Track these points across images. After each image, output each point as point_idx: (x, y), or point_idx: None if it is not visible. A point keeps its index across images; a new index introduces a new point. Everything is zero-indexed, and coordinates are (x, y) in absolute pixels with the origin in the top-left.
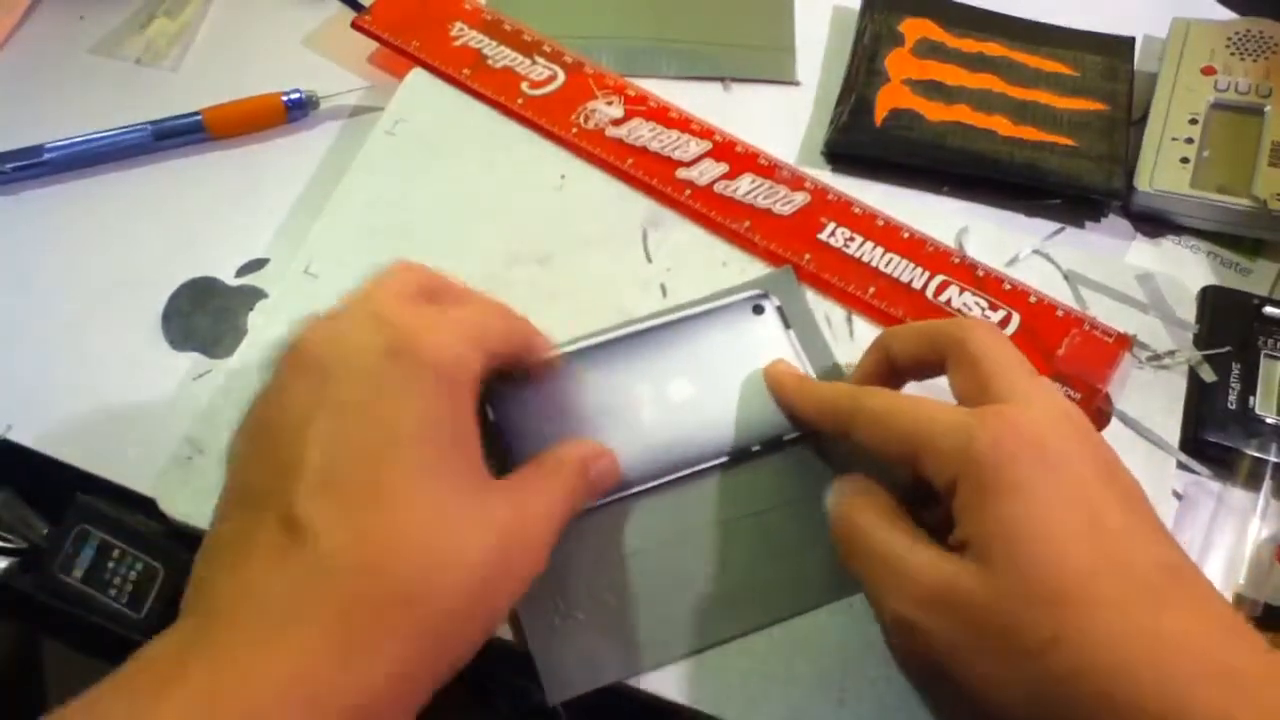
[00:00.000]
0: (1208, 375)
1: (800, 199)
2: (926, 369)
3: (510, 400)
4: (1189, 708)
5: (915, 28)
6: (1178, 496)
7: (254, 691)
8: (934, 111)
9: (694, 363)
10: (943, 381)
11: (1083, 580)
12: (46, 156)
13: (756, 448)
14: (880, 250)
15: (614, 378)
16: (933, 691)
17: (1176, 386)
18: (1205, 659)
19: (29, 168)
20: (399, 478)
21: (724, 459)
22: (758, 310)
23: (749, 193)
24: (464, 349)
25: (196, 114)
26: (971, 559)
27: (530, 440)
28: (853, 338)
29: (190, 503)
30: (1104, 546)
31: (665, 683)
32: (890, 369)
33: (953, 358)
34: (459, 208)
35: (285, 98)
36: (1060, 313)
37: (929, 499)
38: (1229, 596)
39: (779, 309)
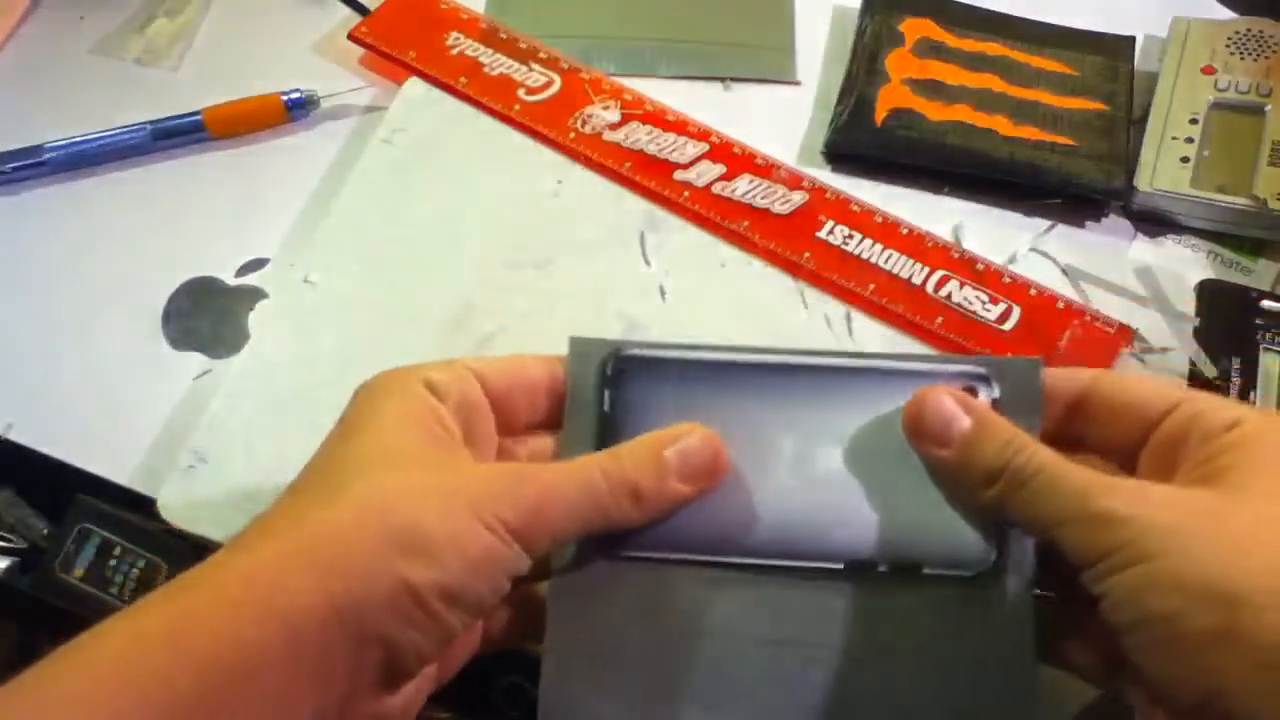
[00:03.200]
0: (1208, 370)
1: (798, 198)
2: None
3: (631, 396)
4: None
5: (915, 27)
6: None
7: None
8: (934, 111)
9: (859, 431)
10: None
11: None
12: (46, 156)
13: (883, 568)
14: (879, 247)
15: (758, 412)
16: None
17: (1178, 382)
18: None
19: (29, 168)
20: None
21: (838, 566)
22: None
23: (747, 193)
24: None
25: (196, 114)
26: (1209, 485)
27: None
28: (851, 335)
29: (192, 511)
30: None
31: None
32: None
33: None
34: (457, 215)
35: (285, 98)
36: (1060, 305)
37: None
38: None
39: (995, 401)
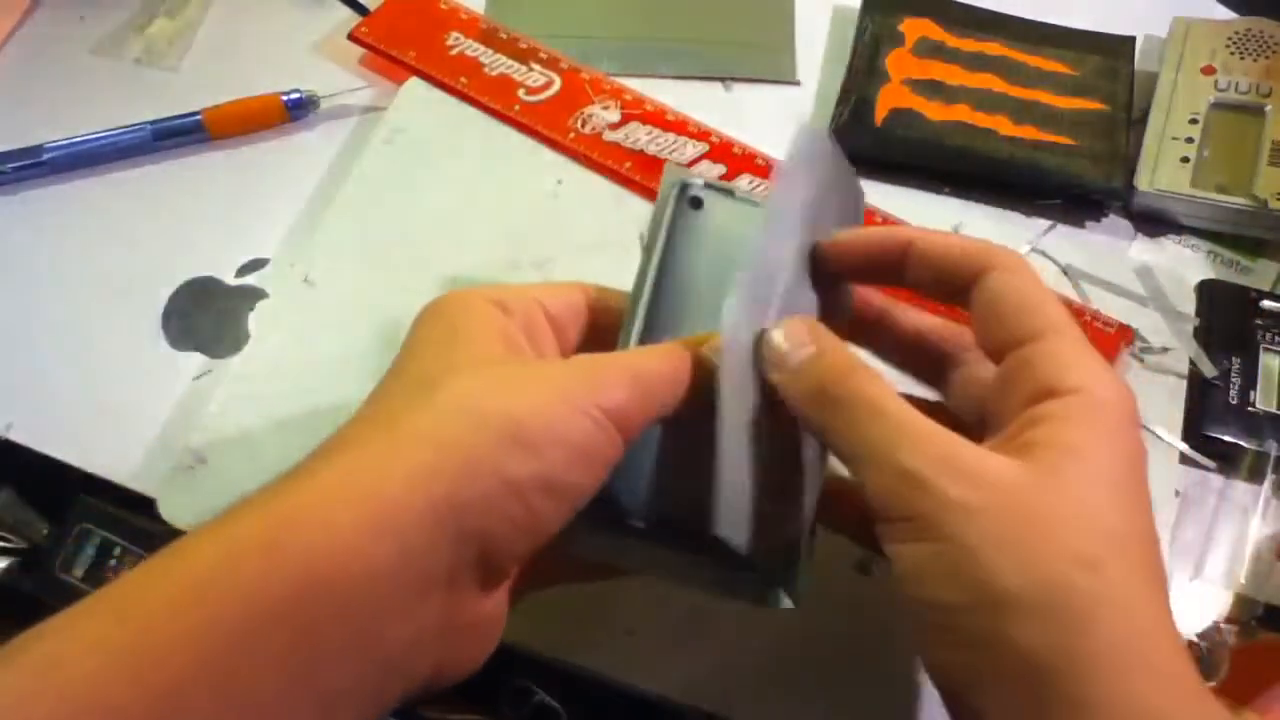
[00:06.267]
0: (1208, 369)
1: None
2: (939, 290)
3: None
4: None
5: (915, 27)
6: (1176, 494)
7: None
8: (934, 111)
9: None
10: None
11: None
12: (46, 156)
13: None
14: None
15: None
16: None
17: (1177, 381)
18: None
19: (29, 168)
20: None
21: None
22: (695, 204)
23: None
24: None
25: (196, 114)
26: (1021, 457)
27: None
28: None
29: (192, 511)
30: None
31: (664, 680)
32: (892, 266)
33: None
34: (457, 215)
35: (285, 98)
36: (1049, 290)
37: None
38: (1229, 597)
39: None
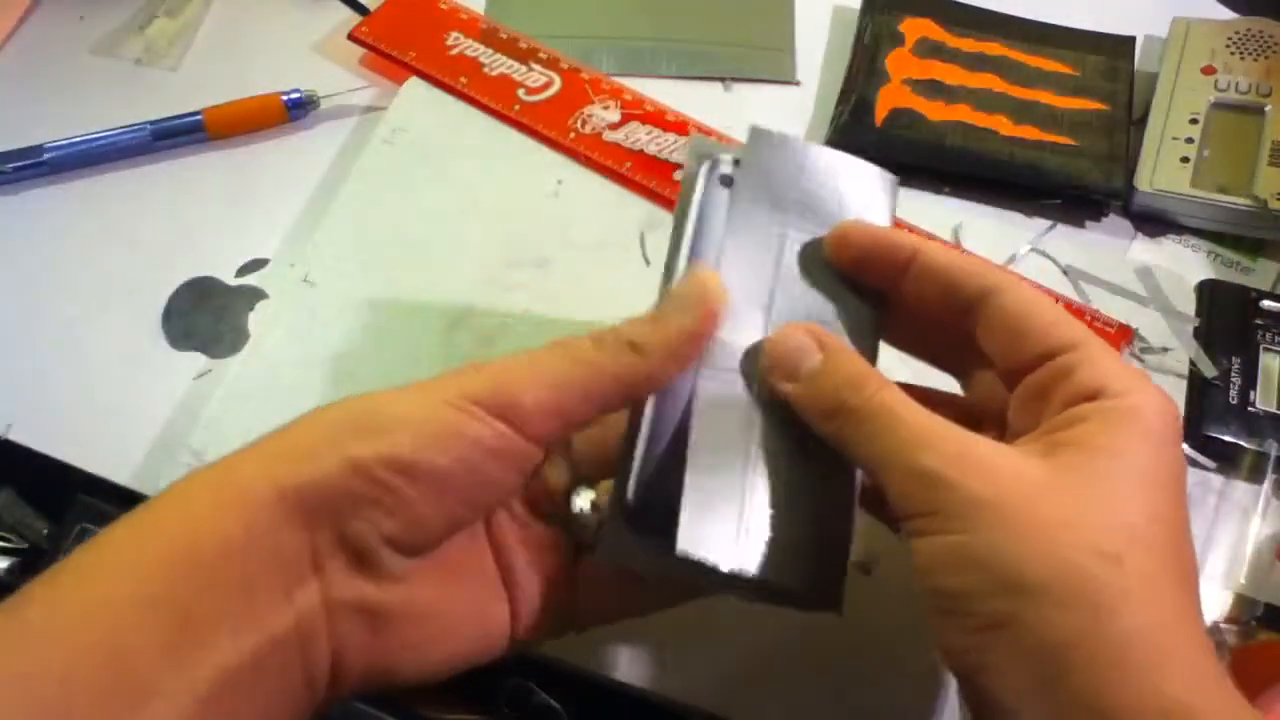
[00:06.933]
0: (1207, 369)
1: None
2: (941, 305)
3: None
4: None
5: (915, 27)
6: None
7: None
8: (934, 111)
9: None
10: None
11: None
12: (46, 156)
13: None
14: None
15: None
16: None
17: (1177, 381)
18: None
19: (29, 168)
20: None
21: None
22: (725, 183)
23: None
24: None
25: (197, 114)
26: (1047, 455)
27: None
28: None
29: None
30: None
31: (664, 680)
32: (894, 271)
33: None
34: (457, 215)
35: (285, 98)
36: (1061, 305)
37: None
38: (1229, 597)
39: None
